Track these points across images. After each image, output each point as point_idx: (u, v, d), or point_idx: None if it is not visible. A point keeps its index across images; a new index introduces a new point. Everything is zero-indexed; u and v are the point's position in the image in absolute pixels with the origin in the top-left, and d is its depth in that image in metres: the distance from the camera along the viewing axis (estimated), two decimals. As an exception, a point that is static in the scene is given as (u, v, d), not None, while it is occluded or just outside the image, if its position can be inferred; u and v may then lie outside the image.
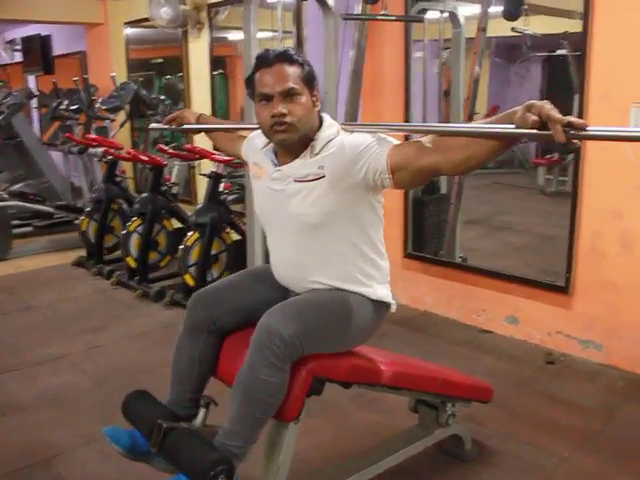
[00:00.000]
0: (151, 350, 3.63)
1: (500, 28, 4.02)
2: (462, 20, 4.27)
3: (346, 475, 2.15)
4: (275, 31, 3.95)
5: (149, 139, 5.94)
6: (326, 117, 1.93)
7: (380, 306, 2.01)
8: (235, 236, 4.53)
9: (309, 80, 1.85)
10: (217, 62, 5.73)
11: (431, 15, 4.32)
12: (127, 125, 6.43)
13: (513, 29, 3.86)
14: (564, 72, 4.16)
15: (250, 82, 1.88)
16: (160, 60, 7.03)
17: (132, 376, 3.26)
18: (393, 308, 2.07)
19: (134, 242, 4.73)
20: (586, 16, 3.13)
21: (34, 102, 7.41)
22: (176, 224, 4.94)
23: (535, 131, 1.42)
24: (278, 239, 2.01)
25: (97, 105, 5.97)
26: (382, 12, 3.75)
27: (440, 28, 4.46)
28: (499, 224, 5.38)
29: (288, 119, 1.79)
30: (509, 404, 2.93)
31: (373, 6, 3.79)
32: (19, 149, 6.57)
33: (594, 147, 3.17)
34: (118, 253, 5.16)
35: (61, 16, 6.74)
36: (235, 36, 5.95)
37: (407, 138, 2.42)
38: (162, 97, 6.02)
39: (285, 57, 1.82)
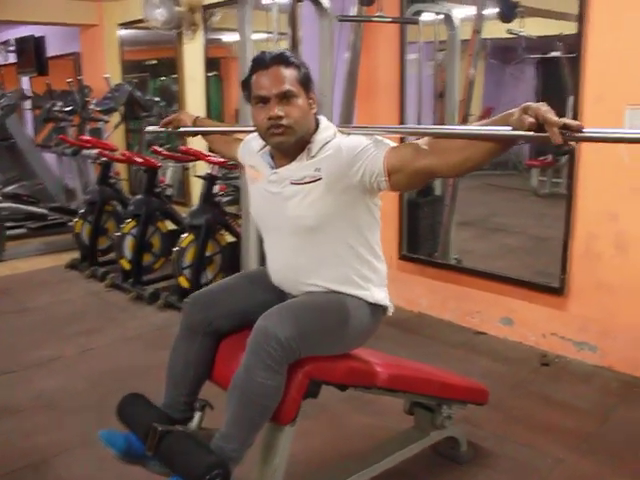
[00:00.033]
0: (145, 353, 3.62)
1: (495, 30, 4.03)
2: (457, 22, 4.27)
3: (342, 477, 2.15)
4: (270, 33, 3.95)
5: (143, 141, 5.92)
6: (322, 119, 1.92)
7: (377, 309, 2.00)
8: (230, 238, 4.52)
9: (305, 82, 1.85)
10: (211, 64, 5.73)
11: (426, 17, 4.33)
12: (121, 127, 6.41)
13: (508, 31, 3.87)
14: (558, 74, 4.18)
15: (246, 85, 1.87)
16: (154, 62, 7.02)
17: (126, 379, 3.24)
18: (390, 311, 2.07)
19: (128, 244, 4.71)
20: (581, 18, 3.14)
21: (28, 103, 7.38)
22: (170, 226, 4.93)
23: (531, 133, 1.42)
24: (275, 242, 2.01)
25: (91, 106, 5.94)
26: (377, 14, 3.75)
27: (435, 30, 4.47)
28: (493, 226, 5.39)
29: (285, 121, 1.79)
30: (504, 406, 2.93)
31: (368, 8, 3.79)
32: (12, 151, 6.55)
33: (589, 149, 3.18)
34: (112, 255, 5.15)
35: (55, 17, 6.73)
36: (229, 38, 5.94)
37: (402, 140, 2.43)
38: (156, 99, 6.00)
39: (281, 59, 1.82)
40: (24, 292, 4.76)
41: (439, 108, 4.76)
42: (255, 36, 3.62)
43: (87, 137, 5.60)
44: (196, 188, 5.22)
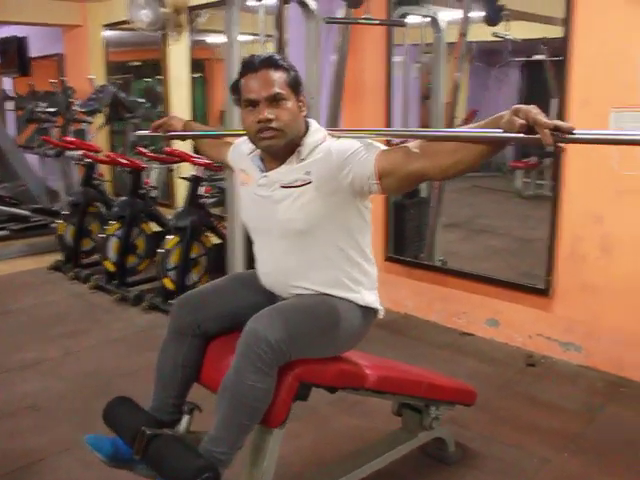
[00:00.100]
0: (130, 355, 3.59)
1: (481, 33, 4.05)
2: (443, 25, 4.29)
3: (331, 479, 2.14)
4: (257, 35, 3.94)
5: (128, 142, 5.88)
6: (312, 122, 1.92)
7: (368, 312, 2.00)
8: (215, 240, 4.51)
9: (295, 85, 1.85)
10: (196, 65, 5.71)
11: (413, 20, 4.34)
12: (105, 128, 6.36)
13: (494, 34, 3.89)
14: (542, 77, 4.21)
15: (236, 88, 1.87)
16: (138, 63, 6.98)
17: (111, 381, 3.22)
18: (381, 314, 2.07)
19: (112, 245, 4.67)
20: (567, 22, 3.16)
21: (10, 104, 7.31)
22: (155, 228, 4.90)
23: (522, 135, 1.43)
24: (265, 244, 2.00)
25: (75, 108, 5.90)
26: (365, 16, 3.76)
27: (421, 33, 4.48)
28: (478, 227, 5.42)
29: (274, 124, 1.78)
30: (491, 406, 2.95)
31: (356, 10, 3.80)
32: (-6, 152, 6.47)
33: (574, 152, 3.20)
34: (96, 257, 5.11)
35: (38, 17, 6.67)
36: (214, 39, 5.93)
37: (388, 142, 2.43)
38: (141, 100, 5.97)
39: (270, 62, 1.81)
40: (6, 294, 4.70)
41: (425, 110, 4.78)
42: (241, 38, 3.61)
43: (71, 138, 5.55)
44: (181, 190, 5.19)
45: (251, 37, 4.23)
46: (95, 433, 1.99)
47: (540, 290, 3.51)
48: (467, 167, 1.61)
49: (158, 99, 6.12)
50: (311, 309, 1.87)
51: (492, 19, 3.87)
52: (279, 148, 1.83)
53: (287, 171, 1.86)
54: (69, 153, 5.61)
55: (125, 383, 3.14)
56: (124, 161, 4.86)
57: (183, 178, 4.48)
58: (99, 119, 5.99)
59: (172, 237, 4.27)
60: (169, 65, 5.81)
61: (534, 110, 1.41)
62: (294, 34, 3.82)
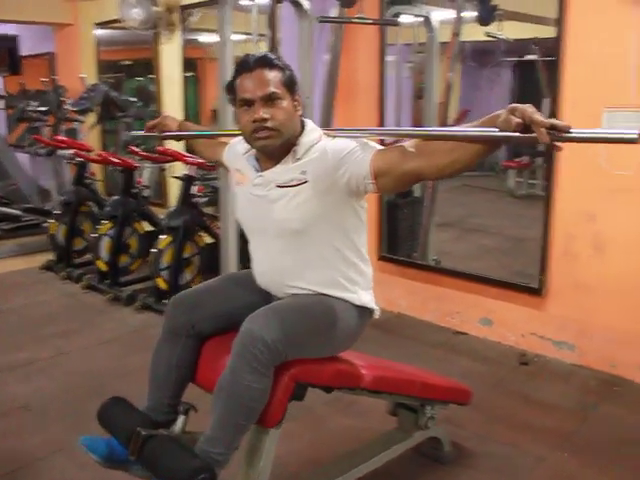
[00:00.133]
0: (123, 355, 3.58)
1: (473, 33, 4.05)
2: (436, 25, 4.30)
3: (326, 479, 2.14)
4: (249, 34, 3.93)
5: (120, 141, 5.85)
6: (308, 122, 1.92)
7: (364, 312, 2.00)
8: (208, 239, 4.49)
9: (290, 85, 1.84)
10: (188, 64, 5.68)
11: (406, 19, 4.35)
12: (97, 127, 6.33)
13: (487, 34, 3.90)
14: (534, 77, 4.23)
15: (231, 88, 1.86)
16: (130, 62, 6.95)
17: (104, 382, 3.20)
18: (376, 314, 2.07)
19: (105, 245, 4.65)
20: (560, 22, 3.17)
21: (1, 103, 7.25)
22: (147, 227, 4.88)
23: (519, 134, 1.42)
24: (260, 244, 1.99)
25: (66, 106, 5.86)
26: (358, 15, 3.75)
27: (414, 32, 4.49)
28: (471, 226, 5.43)
29: (270, 124, 1.78)
30: (486, 405, 2.95)
31: (349, 10, 3.79)
32: (-16, 151, 6.43)
33: (567, 151, 3.19)
34: (88, 256, 5.09)
35: (29, 16, 6.61)
36: (206, 38, 5.91)
37: (382, 142, 2.42)
38: (133, 99, 5.94)
39: (265, 62, 1.81)
40: (-2, 294, 4.68)
41: (417, 110, 4.79)
42: (234, 37, 3.60)
43: (62, 137, 5.52)
44: (173, 189, 5.17)
45: (244, 36, 4.22)
46: (89, 434, 1.98)
47: (533, 289, 3.52)
48: (463, 166, 1.61)
49: (150, 98, 6.09)
50: (307, 309, 1.86)
51: (485, 19, 3.87)
52: (275, 148, 1.83)
53: (283, 171, 1.86)
54: (61, 152, 5.58)
55: (118, 383, 3.13)
56: (116, 160, 4.84)
57: (176, 177, 4.46)
58: (91, 118, 5.96)
59: (165, 237, 4.26)
60: (161, 64, 5.78)
61: (530, 109, 1.40)
62: (287, 33, 3.81)
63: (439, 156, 1.62)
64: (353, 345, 2.08)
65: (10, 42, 7.18)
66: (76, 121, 5.93)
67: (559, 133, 1.38)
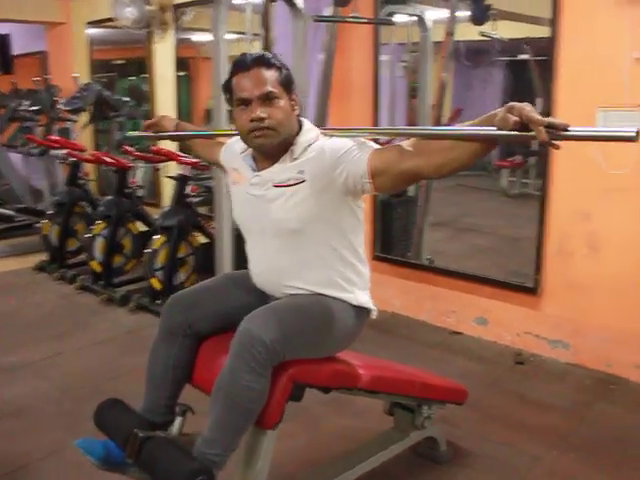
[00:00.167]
0: (117, 356, 3.56)
1: (467, 32, 4.06)
2: (429, 24, 4.30)
3: (325, 479, 2.14)
4: (243, 33, 3.92)
5: (112, 141, 5.83)
6: (305, 122, 1.91)
7: (361, 312, 2.00)
8: (203, 239, 4.48)
9: (287, 84, 1.84)
10: (181, 63, 5.66)
11: (400, 18, 4.35)
12: (90, 127, 6.30)
13: (481, 33, 3.90)
14: (526, 76, 4.24)
15: (228, 87, 1.86)
16: (122, 61, 6.92)
17: (99, 383, 3.18)
18: (374, 314, 2.07)
19: (99, 245, 4.63)
20: (554, 22, 3.18)
21: (-8, 103, 7.22)
22: (141, 227, 4.86)
23: (517, 132, 1.42)
24: (257, 244, 1.98)
25: (59, 106, 5.83)
26: (353, 14, 3.75)
27: (408, 32, 4.49)
28: (465, 226, 5.44)
29: (267, 123, 1.77)
30: (482, 405, 2.95)
31: (343, 9, 3.79)
32: (-25, 151, 6.39)
33: (562, 150, 3.20)
34: (82, 257, 5.07)
35: (21, 15, 6.56)
36: (199, 37, 5.89)
37: (376, 142, 2.42)
38: (126, 99, 5.91)
39: (262, 61, 1.81)
40: (-10, 295, 4.65)
41: (411, 109, 4.79)
42: (228, 36, 3.59)
43: (55, 137, 5.49)
44: (167, 189, 5.15)
45: (238, 36, 4.21)
46: (85, 435, 1.97)
47: (528, 288, 3.53)
48: (461, 165, 1.61)
49: (143, 97, 6.06)
50: (305, 309, 1.85)
51: (478, 18, 3.88)
52: (272, 147, 1.82)
53: (280, 170, 1.85)
54: (53, 152, 5.56)
55: (113, 384, 3.11)
56: (110, 160, 4.81)
57: (170, 177, 4.45)
58: (83, 118, 5.93)
59: (159, 237, 4.24)
60: (154, 63, 5.76)
61: (528, 107, 1.40)
62: (281, 32, 3.80)
63: (437, 155, 1.62)
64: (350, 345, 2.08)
65: (2, 41, 7.14)
66: (69, 121, 5.90)
67: (557, 131, 1.38)
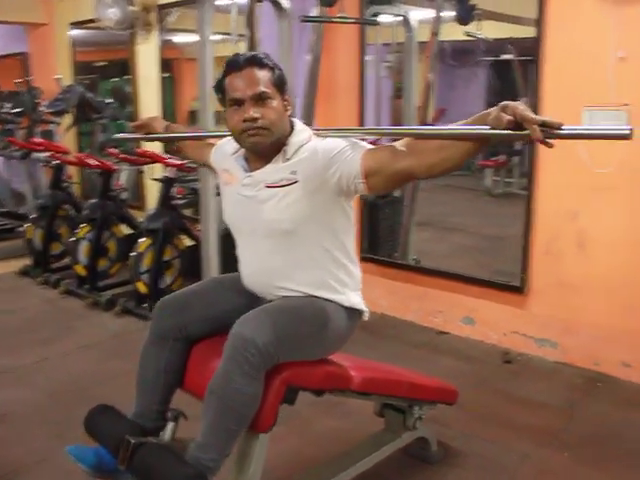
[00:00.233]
0: (104, 361, 3.52)
1: (452, 32, 4.07)
2: (414, 24, 4.31)
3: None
4: (228, 34, 3.89)
5: (96, 143, 5.77)
6: (297, 122, 1.90)
7: (353, 313, 1.99)
8: (188, 242, 4.45)
9: (280, 84, 1.83)
10: (164, 65, 5.62)
11: (385, 19, 4.35)
12: (73, 129, 6.24)
13: (466, 33, 3.92)
14: (510, 76, 4.25)
15: (220, 87, 1.84)
16: (105, 63, 6.86)
17: (86, 388, 3.14)
18: (366, 315, 2.06)
19: (83, 249, 4.59)
20: (539, 22, 3.20)
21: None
22: (126, 230, 4.82)
23: (511, 131, 1.42)
24: (248, 245, 1.97)
25: (42, 108, 5.77)
26: (339, 14, 3.74)
27: (393, 32, 4.49)
28: (450, 225, 5.44)
29: (260, 123, 1.76)
30: (471, 405, 2.95)
31: (330, 9, 3.78)
32: (-44, 154, 6.30)
33: (547, 149, 3.22)
34: (66, 261, 5.02)
35: (3, 15, 6.46)
36: (182, 38, 5.86)
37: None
38: (109, 100, 5.86)
39: (255, 61, 1.80)
40: (-27, 301, 4.58)
41: (396, 110, 4.79)
42: (213, 37, 3.57)
43: (38, 139, 5.43)
44: (151, 191, 5.12)
45: (222, 36, 4.18)
46: (74, 442, 1.95)
47: (515, 287, 3.55)
48: (454, 165, 1.60)
49: (126, 99, 6.01)
50: (298, 311, 1.84)
51: (463, 18, 3.89)
52: (265, 147, 1.81)
53: (272, 171, 1.84)
54: (35, 155, 5.50)
55: (101, 389, 3.08)
56: (94, 163, 4.76)
57: (155, 179, 4.41)
58: (66, 120, 5.87)
59: (144, 240, 4.20)
60: (138, 64, 5.71)
61: (521, 106, 1.40)
62: (266, 33, 3.78)
63: (429, 155, 1.62)
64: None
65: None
66: (51, 123, 5.84)
67: (551, 130, 1.38)
